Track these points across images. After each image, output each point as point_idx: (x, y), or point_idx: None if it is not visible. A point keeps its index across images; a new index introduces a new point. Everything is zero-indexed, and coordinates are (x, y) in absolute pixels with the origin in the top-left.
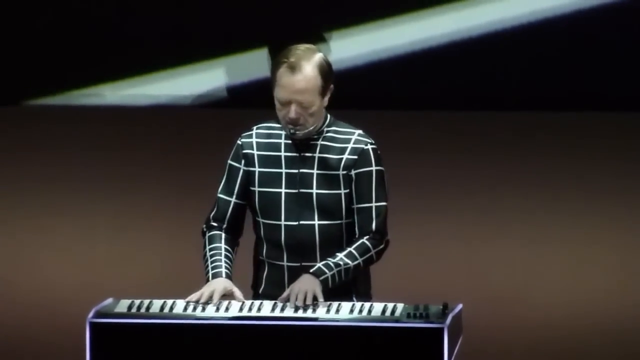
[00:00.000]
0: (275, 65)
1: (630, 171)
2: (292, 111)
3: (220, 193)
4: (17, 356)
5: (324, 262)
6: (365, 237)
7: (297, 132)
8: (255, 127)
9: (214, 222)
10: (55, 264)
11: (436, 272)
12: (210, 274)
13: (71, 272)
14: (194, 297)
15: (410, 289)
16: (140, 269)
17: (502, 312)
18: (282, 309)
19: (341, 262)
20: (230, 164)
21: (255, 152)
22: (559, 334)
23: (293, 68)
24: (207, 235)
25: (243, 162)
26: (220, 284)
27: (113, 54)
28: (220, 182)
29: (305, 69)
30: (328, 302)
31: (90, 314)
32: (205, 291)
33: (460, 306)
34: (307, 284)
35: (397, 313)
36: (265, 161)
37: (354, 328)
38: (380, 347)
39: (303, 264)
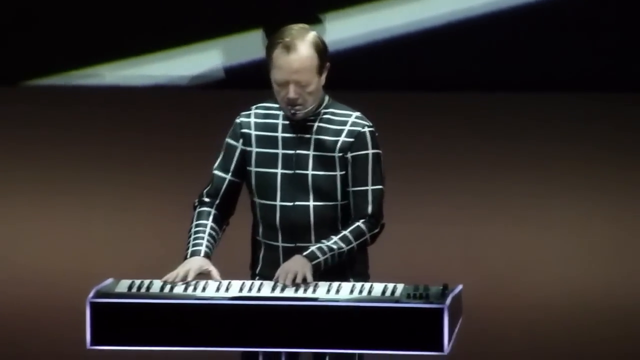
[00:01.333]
0: (270, 47)
1: (629, 152)
2: (291, 91)
3: (216, 169)
4: (16, 336)
5: (317, 246)
6: (360, 221)
7: (298, 112)
8: (254, 107)
9: (206, 197)
10: (54, 245)
11: (436, 253)
12: (189, 252)
13: (71, 252)
14: (169, 276)
15: (410, 270)
16: (140, 249)
17: (502, 292)
18: (282, 290)
19: (335, 246)
20: (227, 142)
21: (253, 132)
22: (558, 314)
23: (288, 48)
24: (197, 210)
25: (241, 141)
26: (195, 263)
27: (111, 34)
28: (217, 158)
29: (301, 48)
30: (327, 283)
31: (91, 294)
32: (180, 271)
33: (460, 287)
34: (297, 265)
35: (397, 293)
36: (262, 141)
37: (353, 308)
38: (380, 328)
39: (298, 244)
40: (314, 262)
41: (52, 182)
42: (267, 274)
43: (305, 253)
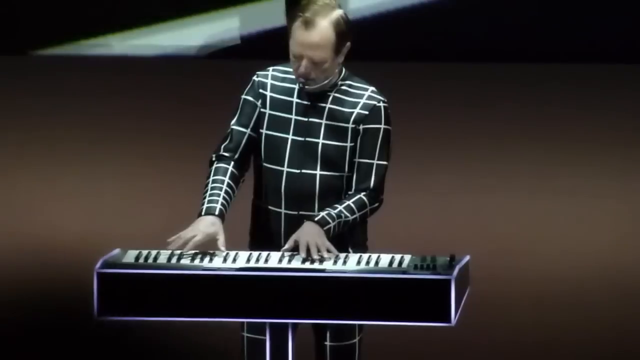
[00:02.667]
0: (291, 18)
1: (637, 122)
2: (302, 66)
3: (234, 125)
4: (24, 306)
5: (326, 212)
6: (362, 193)
7: (307, 86)
8: (271, 68)
9: (225, 152)
10: (62, 214)
11: (443, 224)
12: (204, 207)
13: (79, 222)
14: (175, 241)
15: (417, 241)
16: (147, 219)
17: (509, 264)
18: (290, 261)
19: (342, 215)
20: (245, 98)
21: (269, 94)
22: (566, 286)
23: (307, 23)
24: (215, 165)
25: (260, 101)
26: (205, 228)
27: (121, 4)
28: (233, 115)
29: (320, 25)
30: (335, 254)
31: (98, 264)
32: (187, 234)
33: (467, 258)
34: (315, 236)
35: (405, 264)
36: (276, 104)
37: (361, 279)
38: (387, 298)
39: (301, 212)
40: (325, 228)
41: (60, 152)
42: (268, 241)
43: (316, 219)
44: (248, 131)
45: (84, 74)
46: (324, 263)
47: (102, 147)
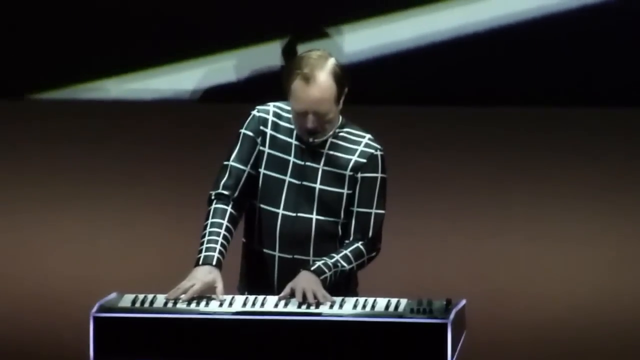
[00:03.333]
0: (288, 76)
1: (633, 168)
2: (310, 121)
3: (233, 161)
4: (20, 350)
5: (322, 261)
6: (360, 242)
7: (315, 140)
8: (271, 104)
9: (224, 189)
10: (59, 258)
11: (439, 268)
12: (201, 257)
13: (75, 266)
14: (172, 293)
15: (413, 285)
16: (144, 263)
17: (506, 307)
18: (286, 304)
19: (338, 264)
20: (244, 134)
21: (269, 131)
22: (562, 330)
23: (308, 79)
24: (214, 206)
25: (260, 138)
26: (203, 277)
27: (117, 47)
28: (231, 150)
29: (320, 79)
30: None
31: (94, 309)
32: (185, 285)
33: (463, 302)
34: (311, 283)
35: (401, 308)
36: (276, 144)
37: (357, 323)
38: (383, 343)
39: (295, 256)
40: (321, 278)
41: (57, 196)
42: (260, 284)
43: (312, 268)
44: (247, 168)
45: (79, 117)
46: (320, 307)
47: (99, 191)
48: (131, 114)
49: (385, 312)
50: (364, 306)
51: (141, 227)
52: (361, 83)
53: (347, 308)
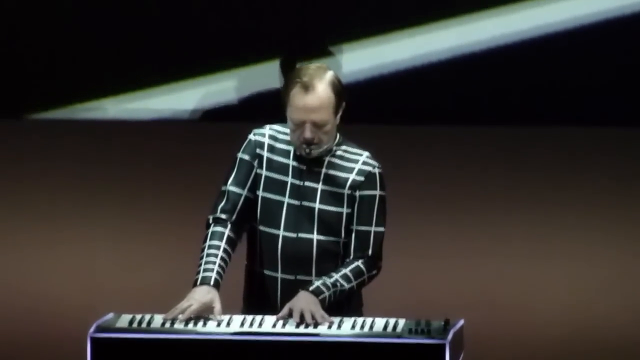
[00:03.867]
0: (287, 86)
1: (631, 186)
2: (307, 131)
3: (230, 186)
4: None
5: (321, 281)
6: (360, 261)
7: (312, 152)
8: (268, 126)
9: (222, 213)
10: (56, 278)
11: (437, 288)
12: (199, 277)
13: (72, 286)
14: (170, 314)
15: (411, 305)
16: (142, 283)
17: (504, 328)
18: (284, 325)
19: (337, 284)
20: (241, 158)
21: (266, 154)
22: (561, 350)
23: (307, 88)
24: (212, 229)
25: (256, 161)
26: (201, 297)
27: (115, 67)
28: (228, 174)
29: (319, 88)
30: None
31: (92, 329)
32: (183, 305)
33: (461, 322)
34: (309, 304)
35: (399, 329)
36: (273, 166)
37: (355, 344)
38: None
39: (298, 277)
40: (320, 298)
41: (54, 216)
42: (263, 306)
43: (311, 288)
44: (245, 192)
45: (78, 137)
46: (319, 327)
47: (97, 210)
48: (130, 134)
49: (384, 333)
50: (362, 326)
51: (139, 247)
52: (360, 102)
53: (346, 328)
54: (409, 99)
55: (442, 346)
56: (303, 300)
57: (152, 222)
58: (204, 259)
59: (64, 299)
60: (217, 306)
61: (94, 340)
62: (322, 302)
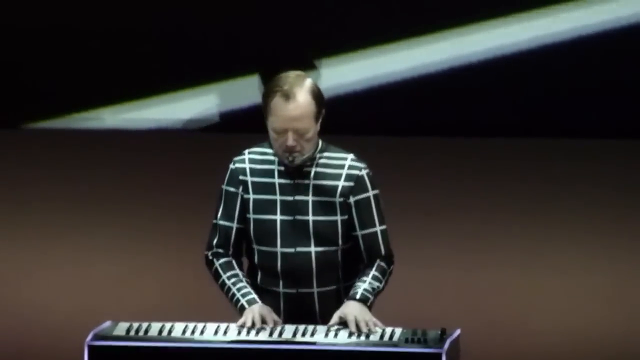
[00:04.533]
0: (267, 95)
1: (628, 198)
2: (290, 139)
3: (220, 220)
4: None
5: (362, 288)
6: (378, 260)
7: (295, 160)
8: (247, 152)
9: (218, 248)
10: (53, 287)
11: (434, 298)
12: (244, 301)
13: (69, 294)
14: (246, 323)
15: (408, 314)
16: (138, 291)
17: (500, 337)
18: (280, 333)
19: (374, 286)
20: (226, 190)
21: (249, 179)
22: (557, 359)
23: (287, 96)
24: (218, 263)
25: (240, 187)
26: (264, 308)
27: (112, 77)
28: (217, 207)
29: (299, 96)
30: (326, 327)
31: (89, 337)
32: (255, 316)
33: (458, 331)
34: (363, 313)
35: (395, 338)
36: (259, 188)
37: (352, 352)
38: None
39: (299, 290)
40: (368, 305)
41: (52, 225)
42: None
43: (357, 297)
44: (234, 224)
45: (75, 147)
46: (315, 336)
47: (93, 220)
48: (127, 143)
49: (380, 342)
50: (358, 335)
51: (137, 256)
52: (352, 113)
53: (342, 337)
54: (400, 110)
55: (439, 355)
56: (355, 309)
57: (150, 231)
58: (234, 288)
59: (61, 307)
60: (275, 316)
61: (91, 348)
62: (369, 308)
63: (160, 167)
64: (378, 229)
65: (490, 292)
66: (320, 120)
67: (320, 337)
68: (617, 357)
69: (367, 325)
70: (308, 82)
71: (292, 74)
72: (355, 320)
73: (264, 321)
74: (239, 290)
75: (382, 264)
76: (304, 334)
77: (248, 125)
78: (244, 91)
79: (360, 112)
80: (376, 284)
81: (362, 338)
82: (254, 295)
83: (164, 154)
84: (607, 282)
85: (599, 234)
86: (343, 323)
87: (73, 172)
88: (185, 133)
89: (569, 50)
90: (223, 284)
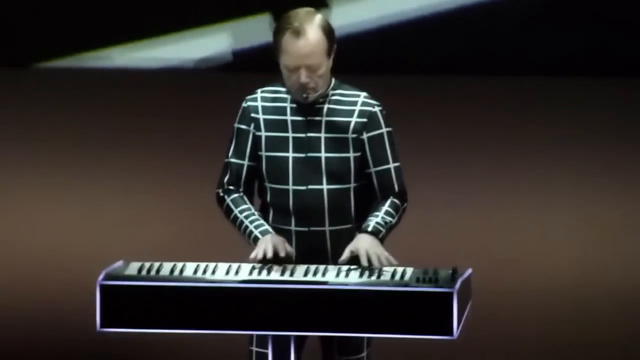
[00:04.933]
0: (278, 33)
1: (635, 135)
2: (303, 75)
3: (232, 157)
4: (27, 318)
5: (375, 221)
6: (391, 197)
7: (310, 96)
8: (259, 90)
9: (229, 186)
10: (65, 227)
11: (445, 237)
12: (257, 232)
13: (81, 234)
14: (258, 254)
15: (419, 254)
16: (150, 231)
17: (511, 277)
18: (292, 273)
19: (387, 220)
20: (238, 127)
21: (261, 116)
22: (567, 299)
23: (298, 33)
24: (229, 199)
25: (252, 125)
26: (278, 238)
27: (121, 17)
28: (229, 146)
29: (310, 32)
30: (337, 266)
31: (100, 277)
32: (267, 247)
33: (469, 271)
34: (373, 246)
35: (407, 277)
36: (271, 125)
37: (363, 292)
38: (389, 311)
39: (311, 228)
40: (380, 237)
41: (61, 164)
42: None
43: (369, 229)
44: (246, 162)
45: (84, 86)
46: (327, 275)
47: (103, 160)
48: (136, 83)
49: (391, 281)
50: (369, 275)
51: (147, 196)
52: (361, 53)
53: (353, 277)
54: (412, 49)
55: (450, 295)
56: (367, 242)
57: (159, 171)
58: (247, 221)
59: (73, 247)
60: (289, 247)
61: (103, 288)
62: (381, 241)
63: (171, 107)
64: (392, 165)
65: (502, 231)
66: (332, 56)
67: (332, 276)
68: (627, 292)
69: (378, 259)
70: (318, 17)
71: (302, 11)
72: (367, 254)
73: (277, 251)
74: (251, 222)
75: (396, 200)
76: (315, 274)
77: (257, 64)
78: (253, 30)
79: (366, 51)
80: (389, 218)
81: (374, 278)
82: (266, 227)
83: (174, 93)
84: (617, 220)
85: (610, 172)
86: (355, 257)
87: (83, 111)
88: (195, 73)
89: None
90: (235, 218)
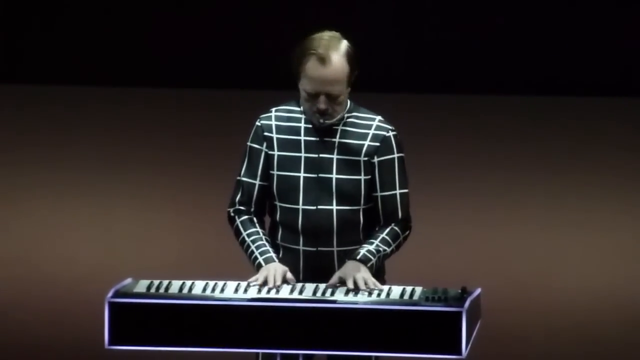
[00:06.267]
0: (301, 56)
1: None
2: (322, 102)
3: (244, 176)
4: (36, 335)
5: (366, 248)
6: (393, 224)
7: (326, 122)
8: (273, 109)
9: (240, 206)
10: (74, 244)
11: (455, 256)
12: (260, 259)
13: (90, 252)
14: (254, 280)
15: (428, 273)
16: (159, 249)
17: (521, 296)
18: (301, 291)
19: (380, 249)
20: (250, 146)
21: (275, 135)
22: (578, 320)
23: (323, 60)
24: (239, 220)
25: (265, 144)
26: (279, 267)
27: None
28: (241, 164)
29: (334, 60)
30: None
31: (110, 294)
32: (268, 275)
33: (479, 290)
34: (361, 271)
35: (416, 296)
36: (284, 145)
37: (372, 311)
38: (398, 330)
39: (319, 249)
40: (368, 265)
41: (72, 181)
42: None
43: (358, 257)
44: (257, 181)
45: (96, 102)
46: (335, 294)
47: (113, 177)
48: (151, 101)
49: (400, 300)
50: (379, 294)
51: (156, 213)
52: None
53: (362, 296)
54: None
55: (459, 314)
56: (354, 269)
57: (169, 189)
58: (253, 246)
59: (82, 263)
60: (290, 275)
61: (112, 305)
62: (370, 269)
63: (180, 124)
64: (398, 192)
65: (511, 251)
66: (351, 82)
67: (341, 295)
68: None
69: (365, 283)
70: (344, 45)
71: (327, 36)
72: (353, 279)
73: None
74: (257, 248)
75: (396, 228)
76: (324, 293)
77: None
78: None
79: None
80: (383, 247)
81: (383, 297)
82: (271, 254)
83: (186, 111)
84: (630, 240)
85: (622, 191)
86: (343, 282)
87: (94, 128)
88: (211, 90)
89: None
90: (243, 241)
